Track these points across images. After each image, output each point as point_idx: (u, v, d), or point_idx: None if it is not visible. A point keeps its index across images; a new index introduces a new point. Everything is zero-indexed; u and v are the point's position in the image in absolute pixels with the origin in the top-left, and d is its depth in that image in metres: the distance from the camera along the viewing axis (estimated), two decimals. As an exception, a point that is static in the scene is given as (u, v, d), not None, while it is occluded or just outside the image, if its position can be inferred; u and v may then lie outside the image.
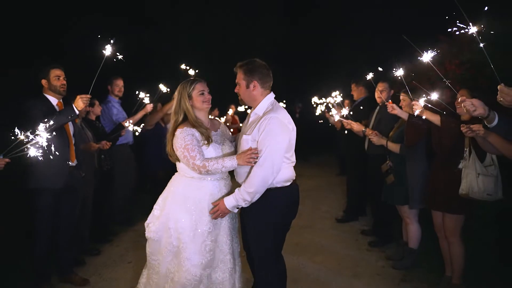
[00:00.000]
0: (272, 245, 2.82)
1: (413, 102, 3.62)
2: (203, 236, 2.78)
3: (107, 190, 5.09)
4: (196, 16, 9.54)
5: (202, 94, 2.85)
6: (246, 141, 2.75)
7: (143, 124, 5.41)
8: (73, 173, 3.75)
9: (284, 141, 2.67)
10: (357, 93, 5.78)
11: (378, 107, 4.93)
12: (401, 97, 4.16)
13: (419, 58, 3.08)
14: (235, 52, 9.31)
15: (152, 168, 6.18)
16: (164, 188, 6.04)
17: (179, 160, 2.85)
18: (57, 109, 3.64)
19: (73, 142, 3.74)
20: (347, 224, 5.78)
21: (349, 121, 4.80)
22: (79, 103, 3.40)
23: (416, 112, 3.54)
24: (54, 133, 2.75)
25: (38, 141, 2.54)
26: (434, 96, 3.07)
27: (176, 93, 2.88)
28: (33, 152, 2.55)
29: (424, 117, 3.62)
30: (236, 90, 2.88)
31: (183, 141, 2.70)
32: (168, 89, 5.55)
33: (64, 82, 3.64)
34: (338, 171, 9.69)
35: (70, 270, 3.94)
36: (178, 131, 2.75)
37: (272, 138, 2.61)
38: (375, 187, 4.89)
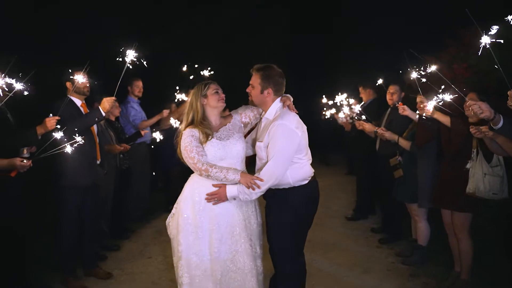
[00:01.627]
0: (292, 241, 2.90)
1: (423, 104, 3.77)
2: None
3: (125, 188, 5.29)
4: (205, 17, 9.70)
5: (217, 93, 2.90)
6: (260, 148, 2.85)
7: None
8: (98, 171, 3.95)
9: (289, 147, 2.73)
10: (365, 95, 5.93)
11: (389, 109, 5.08)
12: (418, 100, 4.30)
13: (429, 68, 3.25)
14: (243, 55, 9.47)
15: (166, 167, 6.39)
16: (178, 186, 6.24)
17: None
18: (82, 110, 3.84)
19: (98, 141, 3.95)
20: (357, 222, 5.94)
21: (361, 122, 4.96)
22: (105, 105, 3.59)
23: (428, 110, 3.69)
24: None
25: (77, 141, 2.76)
26: (447, 98, 3.20)
27: (190, 95, 2.95)
28: (68, 149, 2.76)
29: (430, 116, 3.77)
30: (248, 90, 2.94)
31: (183, 142, 2.78)
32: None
33: (88, 83, 3.83)
34: (347, 171, 9.85)
35: (94, 264, 4.14)
36: (182, 134, 2.83)
37: (277, 145, 2.70)
38: (385, 186, 5.04)
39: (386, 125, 5.00)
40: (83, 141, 2.90)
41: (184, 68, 6.23)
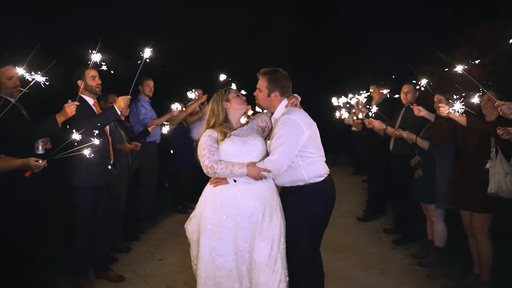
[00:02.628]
0: (309, 240, 2.91)
1: (440, 104, 3.72)
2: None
3: (134, 188, 5.22)
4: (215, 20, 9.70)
5: (238, 96, 2.99)
6: (270, 146, 2.87)
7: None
8: (111, 171, 3.88)
9: (294, 138, 2.77)
10: (378, 94, 5.87)
11: (403, 109, 5.02)
12: (435, 99, 4.24)
13: (454, 69, 3.23)
14: (252, 56, 9.45)
15: (175, 167, 6.33)
16: (186, 187, 6.19)
17: None
18: (94, 109, 3.77)
19: (111, 140, 3.88)
20: (368, 223, 5.87)
21: (371, 120, 4.91)
22: (121, 104, 3.53)
23: (444, 110, 3.64)
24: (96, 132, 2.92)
25: (94, 142, 2.69)
26: (475, 99, 3.16)
27: (210, 101, 3.01)
28: (87, 152, 2.70)
29: (446, 116, 3.72)
30: (255, 94, 3.02)
31: (200, 142, 2.85)
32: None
33: (100, 82, 3.76)
34: (353, 171, 9.80)
35: (106, 266, 4.05)
36: (202, 135, 2.89)
37: (282, 136, 2.74)
38: (399, 186, 4.98)
39: (400, 124, 4.95)
40: (99, 141, 2.83)
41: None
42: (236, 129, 2.96)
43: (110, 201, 4.05)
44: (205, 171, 2.78)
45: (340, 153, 11.31)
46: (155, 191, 6.24)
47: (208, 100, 6.47)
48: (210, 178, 2.91)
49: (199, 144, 2.84)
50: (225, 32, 9.50)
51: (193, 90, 6.44)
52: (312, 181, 2.88)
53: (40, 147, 3.30)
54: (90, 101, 3.79)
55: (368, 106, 5.90)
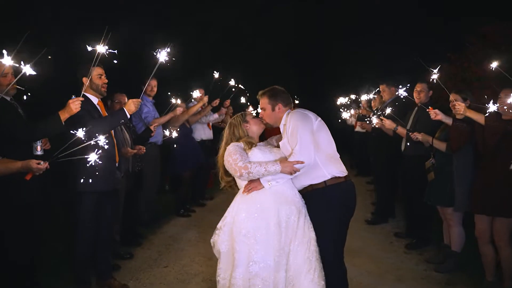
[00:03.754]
0: (331, 241, 2.89)
1: (455, 103, 3.55)
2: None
3: (136, 191, 4.99)
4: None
5: (255, 117, 3.17)
6: (284, 145, 2.94)
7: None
8: (117, 175, 3.65)
9: (307, 126, 2.85)
10: (388, 93, 5.70)
11: (416, 108, 4.85)
12: (452, 98, 4.07)
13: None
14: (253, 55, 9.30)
15: (177, 169, 6.10)
16: (189, 190, 6.00)
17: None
18: (99, 109, 3.54)
19: (116, 142, 3.65)
20: (378, 226, 5.69)
21: (381, 118, 4.74)
22: (131, 107, 3.35)
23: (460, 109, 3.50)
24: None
25: (99, 143, 2.47)
26: (511, 99, 3.01)
27: (228, 127, 3.11)
28: (93, 157, 2.49)
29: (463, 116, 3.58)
30: (261, 115, 3.16)
31: (227, 151, 2.88)
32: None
33: (106, 81, 3.54)
34: (356, 172, 9.64)
35: (109, 275, 3.82)
36: (227, 148, 2.92)
37: (296, 129, 2.80)
38: (411, 188, 4.82)
39: (413, 124, 4.78)
40: (106, 145, 2.61)
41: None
42: (257, 143, 3.09)
43: (115, 206, 3.81)
44: (238, 174, 2.76)
45: (341, 154, 11.15)
46: (157, 194, 6.04)
47: (209, 102, 6.30)
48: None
49: (227, 153, 2.86)
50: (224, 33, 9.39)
51: (197, 90, 6.26)
52: (331, 175, 2.87)
53: (39, 148, 3.10)
54: (95, 100, 3.57)
55: (374, 107, 5.74)
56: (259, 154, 2.87)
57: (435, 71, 3.71)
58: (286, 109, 3.06)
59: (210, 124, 7.02)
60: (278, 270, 2.68)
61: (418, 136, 4.30)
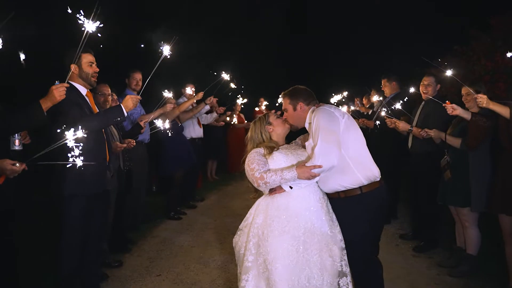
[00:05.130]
0: (361, 256, 2.70)
1: (477, 95, 3.28)
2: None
3: (124, 193, 4.59)
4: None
5: (278, 117, 2.98)
6: (309, 145, 2.70)
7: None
8: (107, 175, 3.25)
9: (332, 125, 2.61)
10: (389, 88, 5.45)
11: (423, 103, 4.59)
12: (463, 92, 3.82)
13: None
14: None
15: (168, 170, 5.72)
16: (180, 191, 5.61)
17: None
18: (87, 100, 3.14)
19: (106, 138, 3.24)
20: (381, 228, 5.43)
21: (394, 120, 4.45)
22: (129, 104, 3.02)
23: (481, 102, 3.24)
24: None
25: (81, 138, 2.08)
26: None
27: (252, 127, 2.97)
28: (79, 162, 2.11)
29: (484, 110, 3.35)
30: (284, 117, 2.98)
31: (247, 160, 2.75)
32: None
33: (97, 70, 3.13)
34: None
35: (97, 286, 3.44)
36: (249, 154, 2.79)
37: (320, 126, 2.58)
38: (419, 187, 4.57)
39: (420, 120, 4.52)
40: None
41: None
42: (281, 145, 2.92)
43: (105, 210, 3.41)
44: (255, 185, 2.67)
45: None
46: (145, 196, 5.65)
47: (203, 99, 5.93)
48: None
49: (247, 161, 2.74)
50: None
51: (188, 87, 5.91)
52: (368, 181, 2.65)
53: (17, 142, 2.68)
54: (83, 91, 3.16)
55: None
56: (281, 157, 2.70)
57: (449, 71, 3.48)
58: (309, 107, 2.87)
59: (201, 121, 6.68)
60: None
61: (430, 133, 4.03)
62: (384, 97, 5.62)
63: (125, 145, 3.99)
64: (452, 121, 4.11)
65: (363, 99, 8.09)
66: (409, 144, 4.66)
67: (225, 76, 5.57)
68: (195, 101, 5.84)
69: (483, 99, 3.22)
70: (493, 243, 3.92)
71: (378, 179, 2.72)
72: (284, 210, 2.57)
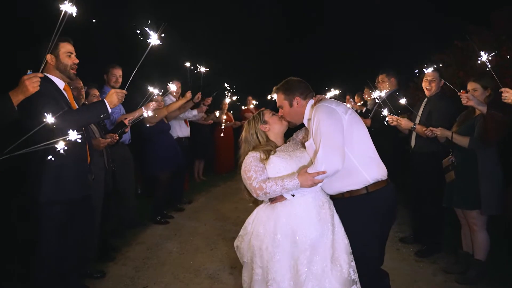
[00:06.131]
0: (374, 245, 2.54)
1: (504, 89, 3.02)
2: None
3: (108, 197, 4.22)
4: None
5: (274, 114, 2.77)
6: (310, 146, 2.53)
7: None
8: (88, 178, 2.90)
9: (335, 124, 2.41)
10: (388, 84, 5.21)
11: (425, 99, 4.36)
12: (469, 87, 3.60)
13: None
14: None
15: (155, 170, 5.37)
16: (166, 193, 5.28)
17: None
18: (65, 94, 2.80)
19: (86, 137, 2.90)
20: (378, 231, 5.20)
21: (396, 117, 4.21)
22: (113, 99, 2.68)
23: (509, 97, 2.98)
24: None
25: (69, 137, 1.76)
26: None
27: (246, 128, 2.76)
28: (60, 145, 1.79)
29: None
30: (280, 114, 2.77)
31: (243, 166, 2.57)
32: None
33: (77, 61, 2.79)
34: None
35: (77, 301, 3.10)
36: (245, 158, 2.61)
37: (321, 126, 2.38)
38: (422, 189, 4.34)
39: (423, 117, 4.28)
40: (79, 139, 1.91)
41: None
42: (279, 146, 2.71)
43: (89, 216, 3.06)
44: (254, 195, 2.47)
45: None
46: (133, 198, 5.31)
47: (192, 99, 5.62)
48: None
49: (243, 168, 2.55)
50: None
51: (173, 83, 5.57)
52: (374, 180, 2.47)
53: None
54: (61, 84, 2.81)
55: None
56: (280, 162, 2.50)
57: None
58: (307, 101, 2.67)
59: (187, 120, 6.35)
60: None
61: (436, 131, 3.80)
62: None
63: (109, 140, 3.65)
64: (456, 118, 3.89)
65: (355, 97, 7.90)
66: (412, 143, 4.42)
67: (202, 69, 5.32)
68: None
69: (510, 94, 2.94)
70: (502, 247, 3.72)
71: (385, 178, 2.55)
72: (285, 225, 2.42)
